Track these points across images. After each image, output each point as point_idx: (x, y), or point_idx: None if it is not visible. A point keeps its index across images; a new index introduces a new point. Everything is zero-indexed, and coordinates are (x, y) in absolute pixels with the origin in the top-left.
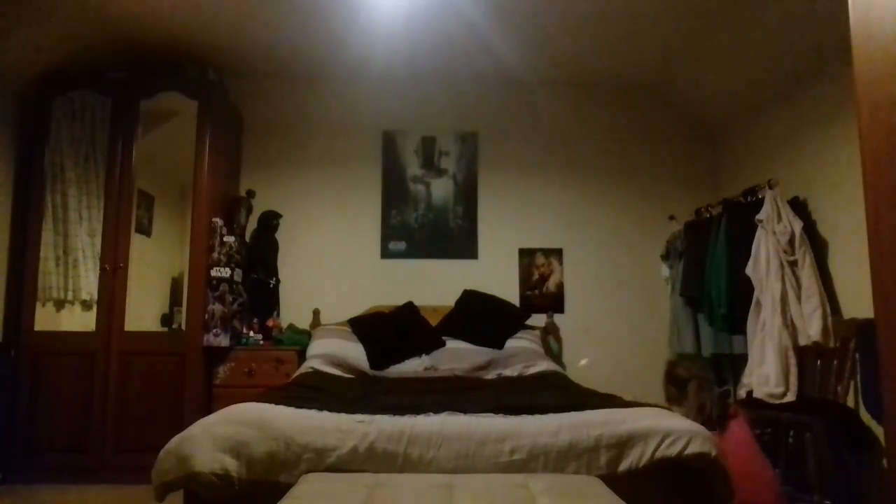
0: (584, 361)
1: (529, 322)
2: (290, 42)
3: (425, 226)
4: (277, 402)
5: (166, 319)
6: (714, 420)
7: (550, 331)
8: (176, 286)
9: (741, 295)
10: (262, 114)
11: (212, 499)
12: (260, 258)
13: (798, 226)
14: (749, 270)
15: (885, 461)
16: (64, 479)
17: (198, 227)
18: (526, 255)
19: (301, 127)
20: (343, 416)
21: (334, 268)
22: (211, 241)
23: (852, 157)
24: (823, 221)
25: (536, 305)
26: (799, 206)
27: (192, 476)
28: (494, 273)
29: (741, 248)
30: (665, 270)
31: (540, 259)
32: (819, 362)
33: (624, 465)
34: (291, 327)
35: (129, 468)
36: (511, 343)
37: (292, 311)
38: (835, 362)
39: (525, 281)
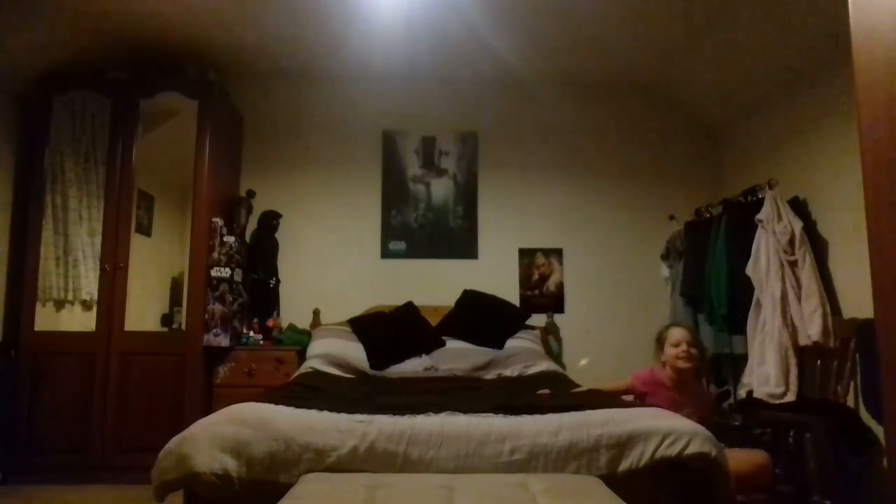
0: (584, 361)
1: (529, 322)
2: (290, 42)
3: (425, 226)
4: (277, 402)
5: (166, 319)
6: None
7: (550, 331)
8: (176, 286)
9: (741, 295)
10: (262, 114)
11: (212, 499)
12: (260, 258)
13: (798, 226)
14: (749, 270)
15: (885, 461)
16: (64, 479)
17: (198, 227)
18: (526, 255)
19: (301, 127)
20: (343, 416)
21: (334, 268)
22: (211, 241)
23: (852, 157)
24: (823, 221)
25: (536, 305)
26: (799, 206)
27: (192, 476)
28: (494, 273)
29: (741, 248)
30: (665, 270)
31: (540, 259)
32: (819, 362)
33: (624, 465)
34: (291, 327)
35: (129, 468)
36: (511, 343)
37: (292, 311)
38: (835, 362)
39: (525, 281)
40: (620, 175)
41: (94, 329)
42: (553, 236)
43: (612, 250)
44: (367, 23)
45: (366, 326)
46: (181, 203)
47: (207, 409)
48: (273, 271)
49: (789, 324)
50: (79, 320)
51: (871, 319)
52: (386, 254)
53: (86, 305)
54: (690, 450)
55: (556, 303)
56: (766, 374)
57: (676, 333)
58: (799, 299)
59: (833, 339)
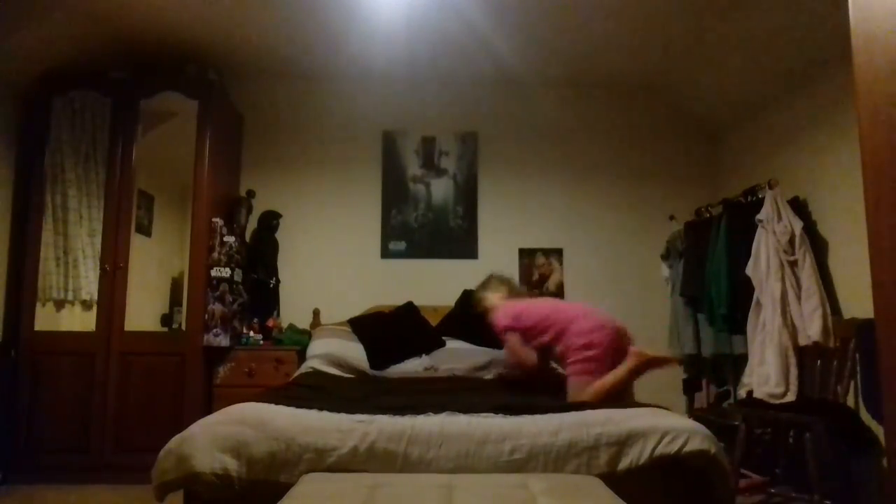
0: None
1: None
2: (290, 42)
3: (425, 226)
4: (277, 402)
5: (166, 319)
6: None
7: None
8: (176, 286)
9: (741, 295)
10: (262, 114)
11: (212, 499)
12: (260, 258)
13: (798, 226)
14: (749, 270)
15: (885, 461)
16: (64, 479)
17: (198, 227)
18: (526, 255)
19: (301, 127)
20: (343, 416)
21: (334, 268)
22: (211, 241)
23: (852, 157)
24: (823, 221)
25: None
26: (799, 206)
27: (192, 476)
28: None
29: (741, 248)
30: (665, 270)
31: (540, 259)
32: (819, 362)
33: (623, 464)
34: (291, 327)
35: (129, 468)
36: None
37: (292, 311)
38: (835, 362)
39: (525, 281)
40: (620, 175)
41: (94, 329)
42: (553, 236)
43: (612, 250)
44: (367, 23)
45: (366, 326)
46: (181, 203)
47: (207, 409)
48: (273, 271)
49: (789, 324)
50: (79, 320)
51: (871, 319)
52: (386, 254)
53: (86, 305)
54: (689, 447)
55: None
56: (766, 374)
57: None
58: (799, 299)
59: (833, 339)
